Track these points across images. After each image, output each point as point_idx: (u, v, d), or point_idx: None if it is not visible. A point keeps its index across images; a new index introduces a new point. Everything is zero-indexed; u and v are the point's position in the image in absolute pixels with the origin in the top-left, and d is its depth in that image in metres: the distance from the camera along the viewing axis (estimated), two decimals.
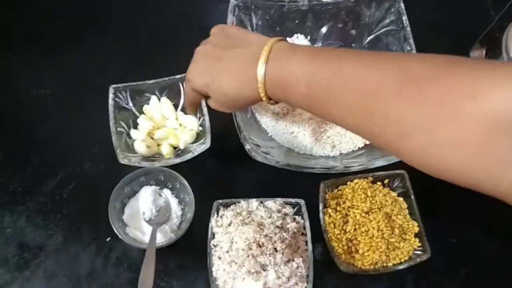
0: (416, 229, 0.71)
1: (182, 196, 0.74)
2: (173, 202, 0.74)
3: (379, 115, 0.46)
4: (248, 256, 0.63)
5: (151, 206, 0.72)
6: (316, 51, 0.53)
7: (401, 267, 0.68)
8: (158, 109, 0.78)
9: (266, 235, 0.64)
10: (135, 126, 0.78)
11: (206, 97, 0.64)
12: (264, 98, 0.55)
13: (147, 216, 0.71)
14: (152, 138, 0.77)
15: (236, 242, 0.65)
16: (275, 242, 0.64)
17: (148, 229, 0.71)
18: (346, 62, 0.49)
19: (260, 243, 0.64)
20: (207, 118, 0.76)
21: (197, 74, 0.59)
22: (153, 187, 0.74)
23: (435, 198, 0.77)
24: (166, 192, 0.74)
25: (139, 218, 0.72)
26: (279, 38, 0.55)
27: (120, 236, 0.68)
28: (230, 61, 0.55)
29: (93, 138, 0.80)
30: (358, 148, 0.77)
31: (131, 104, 0.79)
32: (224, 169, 0.79)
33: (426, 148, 0.43)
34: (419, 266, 0.70)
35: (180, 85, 0.79)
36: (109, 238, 0.72)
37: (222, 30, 0.60)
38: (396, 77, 0.45)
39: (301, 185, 0.77)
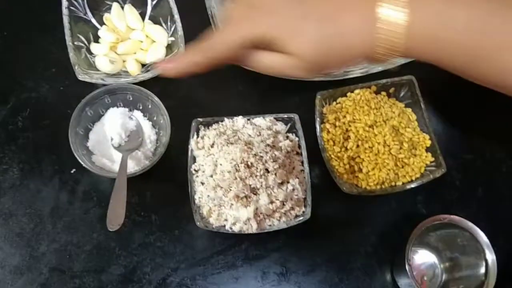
0: (428, 142, 0.62)
1: (155, 119, 0.63)
2: (146, 125, 0.63)
3: None
4: (236, 178, 0.54)
5: (119, 130, 0.61)
6: None
7: (411, 185, 0.59)
8: (122, 18, 0.66)
9: (255, 155, 0.55)
10: (97, 40, 0.67)
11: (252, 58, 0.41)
12: (384, 52, 0.37)
13: (116, 142, 0.61)
14: (116, 53, 0.65)
15: (220, 164, 0.55)
16: (266, 162, 0.55)
17: (117, 156, 0.61)
18: None
19: (249, 164, 0.54)
20: (179, 25, 0.64)
21: (263, 15, 0.38)
22: (121, 109, 0.63)
23: (449, 108, 0.68)
24: (137, 115, 0.64)
25: (107, 145, 0.61)
26: None
27: (84, 165, 0.57)
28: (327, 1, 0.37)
29: (49, 56, 0.68)
30: None
31: (90, 15, 0.67)
32: (204, 85, 0.68)
33: None
34: (431, 185, 0.61)
35: None
36: (74, 170, 0.62)
37: None
38: None
39: (295, 100, 0.67)
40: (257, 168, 0.54)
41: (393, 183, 0.60)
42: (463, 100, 0.67)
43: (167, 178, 0.62)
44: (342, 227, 0.62)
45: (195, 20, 0.65)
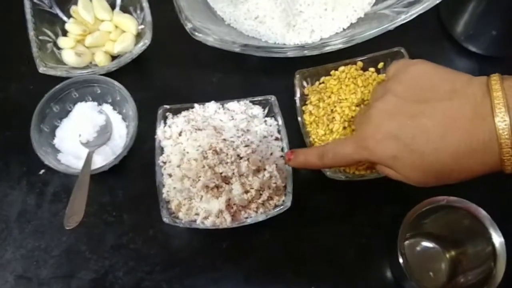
0: None
1: (125, 111, 0.59)
2: (116, 119, 0.59)
3: None
4: (203, 167, 0.49)
5: (88, 126, 0.58)
6: None
7: None
8: (89, 10, 0.63)
9: (225, 140, 0.50)
10: (66, 34, 0.63)
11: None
12: (510, 168, 0.37)
13: (84, 138, 0.57)
14: (85, 45, 0.62)
15: (187, 153, 0.50)
16: (237, 147, 0.50)
17: (86, 153, 0.56)
18: None
19: (217, 150, 0.49)
20: (148, 12, 0.61)
21: (380, 141, 0.40)
22: (90, 103, 0.60)
23: None
24: (106, 108, 0.60)
25: (75, 142, 0.57)
26: (494, 76, 0.37)
27: (47, 163, 0.54)
28: (436, 120, 0.38)
29: (17, 55, 0.64)
30: (343, 29, 0.60)
31: (56, 8, 0.64)
32: (181, 74, 0.64)
33: None
34: None
35: None
36: (42, 171, 0.59)
37: (406, 73, 0.42)
38: None
39: (276, 86, 0.61)
40: (227, 154, 0.49)
41: None
42: (460, 69, 0.60)
43: (140, 174, 0.58)
44: (333, 218, 0.56)
45: (165, 7, 0.61)
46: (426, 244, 0.54)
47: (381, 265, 0.54)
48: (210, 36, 0.51)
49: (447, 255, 0.53)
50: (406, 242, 0.54)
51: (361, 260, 0.55)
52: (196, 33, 0.50)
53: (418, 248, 0.54)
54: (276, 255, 0.55)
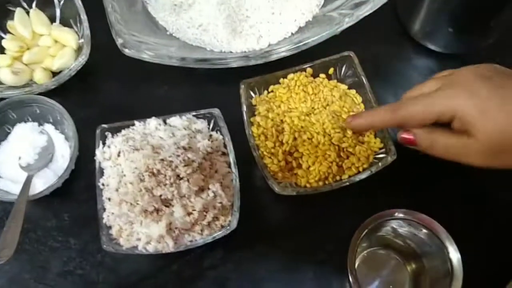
0: None
1: (66, 131, 0.56)
2: (59, 139, 0.56)
3: None
4: (140, 190, 0.46)
5: (28, 147, 0.55)
6: None
7: (359, 177, 0.50)
8: (27, 25, 0.59)
9: (162, 160, 0.47)
10: (3, 52, 0.60)
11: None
12: None
13: (24, 161, 0.54)
14: (23, 62, 0.59)
15: (124, 175, 0.48)
16: (176, 167, 0.47)
17: (25, 177, 0.54)
18: None
19: (155, 171, 0.46)
20: (86, 25, 0.57)
21: (461, 92, 0.40)
22: (30, 124, 0.57)
23: (400, 85, 0.59)
24: (48, 128, 0.57)
25: (14, 166, 0.55)
26: None
27: None
28: None
29: None
30: (292, 34, 0.58)
31: None
32: (127, 89, 0.61)
33: None
34: (387, 176, 0.52)
35: None
36: None
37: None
38: None
39: (226, 96, 0.58)
40: (165, 175, 0.46)
41: (338, 177, 0.51)
42: (420, 67, 0.59)
43: (86, 196, 0.55)
44: (289, 234, 0.54)
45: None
46: (386, 255, 0.52)
47: (342, 279, 0.52)
48: (143, 52, 0.48)
49: (408, 268, 0.51)
50: (364, 252, 0.52)
51: (320, 276, 0.52)
52: (127, 50, 0.47)
53: (377, 259, 0.52)
54: (230, 275, 0.52)
